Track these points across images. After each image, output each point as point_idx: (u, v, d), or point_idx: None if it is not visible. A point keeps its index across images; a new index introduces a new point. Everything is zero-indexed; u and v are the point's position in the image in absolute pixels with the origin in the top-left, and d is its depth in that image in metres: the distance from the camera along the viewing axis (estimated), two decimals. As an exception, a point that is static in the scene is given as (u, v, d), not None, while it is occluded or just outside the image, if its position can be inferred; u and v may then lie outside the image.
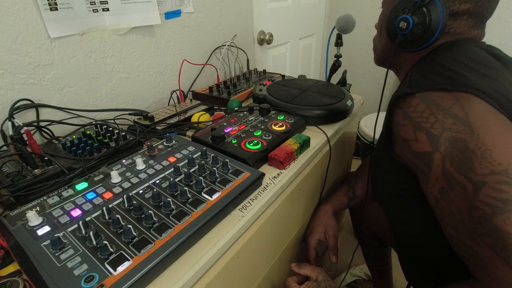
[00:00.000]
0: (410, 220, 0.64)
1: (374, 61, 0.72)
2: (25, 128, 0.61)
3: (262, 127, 0.74)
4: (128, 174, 0.56)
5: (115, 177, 0.54)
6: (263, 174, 0.58)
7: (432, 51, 0.56)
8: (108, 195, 0.51)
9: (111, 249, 0.41)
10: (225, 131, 0.71)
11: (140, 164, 0.58)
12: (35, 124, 0.69)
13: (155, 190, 0.51)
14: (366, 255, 1.11)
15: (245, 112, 0.81)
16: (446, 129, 0.45)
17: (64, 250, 0.41)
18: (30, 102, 0.68)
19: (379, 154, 0.66)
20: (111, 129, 0.69)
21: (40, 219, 0.45)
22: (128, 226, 0.43)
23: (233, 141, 0.67)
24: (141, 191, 0.52)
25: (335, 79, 1.06)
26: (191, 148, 0.65)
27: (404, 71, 0.64)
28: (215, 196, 0.51)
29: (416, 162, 0.51)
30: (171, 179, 0.54)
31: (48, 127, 0.70)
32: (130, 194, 0.51)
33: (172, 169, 0.57)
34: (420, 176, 0.52)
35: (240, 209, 0.53)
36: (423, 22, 0.53)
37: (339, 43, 1.01)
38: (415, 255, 0.70)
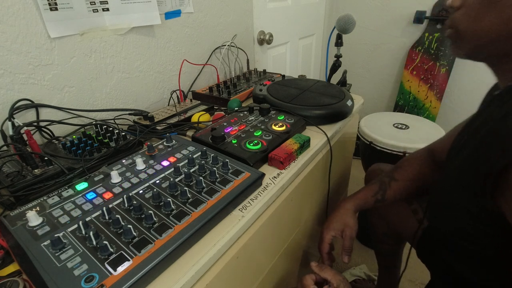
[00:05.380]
0: (466, 262, 0.55)
1: (461, 50, 0.48)
2: (25, 128, 0.61)
3: (262, 127, 0.74)
4: (128, 174, 0.56)
5: (115, 177, 0.54)
6: (263, 174, 0.58)
7: None
8: (108, 195, 0.51)
9: (111, 249, 0.41)
10: (225, 131, 0.71)
11: (140, 164, 0.58)
12: (35, 124, 0.69)
13: (155, 190, 0.51)
14: (378, 250, 1.06)
15: (245, 112, 0.81)
16: None
17: (64, 250, 0.41)
18: (30, 102, 0.68)
19: (454, 186, 0.51)
20: (111, 129, 0.69)
21: (40, 219, 0.45)
22: (128, 226, 0.43)
23: (233, 141, 0.67)
24: (141, 191, 0.52)
25: (335, 79, 1.06)
26: (191, 148, 0.65)
27: None
28: (215, 196, 0.51)
29: None
30: (171, 179, 0.54)
31: (48, 127, 0.70)
32: (130, 194, 0.51)
33: (172, 169, 0.57)
34: None
35: (240, 209, 0.53)
36: None
37: (339, 43, 1.01)
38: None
